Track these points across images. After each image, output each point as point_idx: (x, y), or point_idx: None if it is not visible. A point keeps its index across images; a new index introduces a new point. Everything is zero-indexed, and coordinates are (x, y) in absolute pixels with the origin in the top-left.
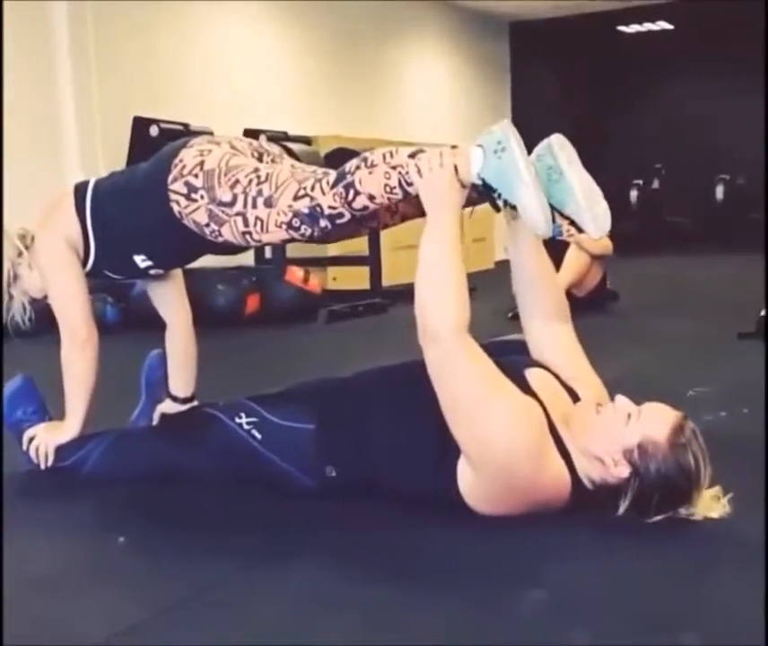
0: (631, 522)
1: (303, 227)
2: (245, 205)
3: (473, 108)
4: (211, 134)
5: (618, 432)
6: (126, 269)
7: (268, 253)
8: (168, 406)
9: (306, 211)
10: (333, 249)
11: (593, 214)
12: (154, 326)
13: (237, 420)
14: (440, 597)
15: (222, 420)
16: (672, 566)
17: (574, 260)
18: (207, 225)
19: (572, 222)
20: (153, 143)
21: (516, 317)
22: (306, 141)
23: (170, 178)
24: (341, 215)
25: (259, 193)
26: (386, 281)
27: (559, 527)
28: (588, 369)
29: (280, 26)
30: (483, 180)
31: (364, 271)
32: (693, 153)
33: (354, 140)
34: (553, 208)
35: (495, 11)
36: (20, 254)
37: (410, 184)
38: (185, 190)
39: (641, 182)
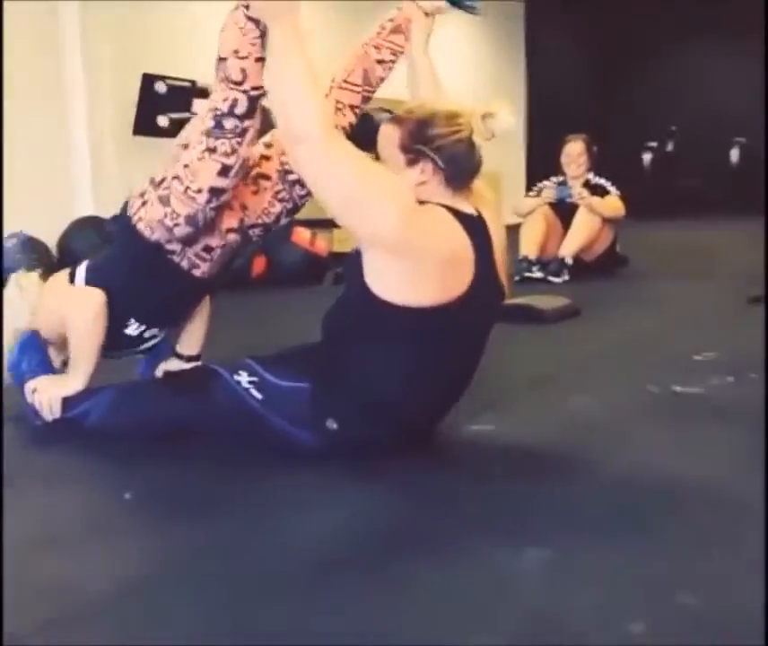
0: None
1: (220, 141)
2: (175, 169)
3: (489, 69)
4: None
5: None
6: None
7: None
8: (172, 364)
9: (212, 124)
10: None
11: None
12: None
13: (236, 377)
14: None
15: (223, 376)
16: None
17: (584, 224)
18: (165, 215)
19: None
20: (161, 100)
21: (525, 280)
22: None
23: (131, 213)
24: (236, 101)
25: (179, 152)
26: None
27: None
28: None
29: None
30: None
31: None
32: (708, 116)
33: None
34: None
35: None
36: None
37: (248, 7)
38: (139, 202)
39: (654, 144)
